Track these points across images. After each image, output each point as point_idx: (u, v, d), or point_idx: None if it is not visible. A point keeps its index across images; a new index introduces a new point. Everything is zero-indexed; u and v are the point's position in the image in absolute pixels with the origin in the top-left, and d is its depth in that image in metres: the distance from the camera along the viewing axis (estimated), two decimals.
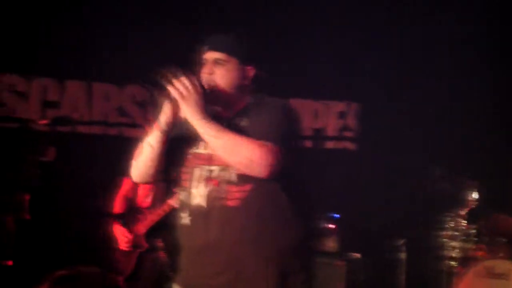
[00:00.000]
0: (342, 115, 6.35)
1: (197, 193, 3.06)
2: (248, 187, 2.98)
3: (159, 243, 4.63)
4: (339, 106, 6.38)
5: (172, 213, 4.41)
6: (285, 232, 3.03)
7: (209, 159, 3.05)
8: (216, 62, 3.06)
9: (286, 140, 2.99)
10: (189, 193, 3.09)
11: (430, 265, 5.31)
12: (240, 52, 3.07)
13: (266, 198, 3.00)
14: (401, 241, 5.33)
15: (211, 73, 3.05)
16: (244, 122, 3.02)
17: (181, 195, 3.15)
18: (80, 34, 5.84)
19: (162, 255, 4.56)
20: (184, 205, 3.12)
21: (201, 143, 3.08)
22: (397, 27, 6.10)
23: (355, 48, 6.14)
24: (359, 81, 6.20)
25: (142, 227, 4.71)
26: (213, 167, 3.03)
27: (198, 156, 3.09)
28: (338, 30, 6.09)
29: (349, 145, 6.29)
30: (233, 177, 2.99)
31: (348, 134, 6.34)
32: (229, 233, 2.98)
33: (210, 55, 3.07)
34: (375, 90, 6.21)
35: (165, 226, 4.55)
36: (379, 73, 6.15)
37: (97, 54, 5.83)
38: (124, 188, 4.97)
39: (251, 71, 3.08)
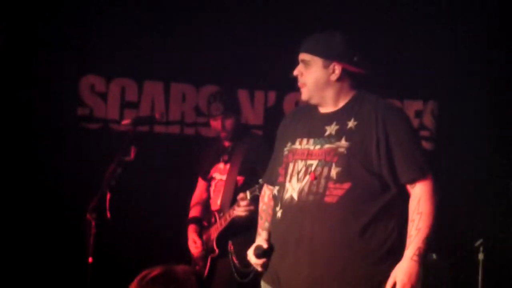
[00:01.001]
0: (418, 114, 6.27)
1: (290, 187, 3.12)
2: (347, 185, 3.02)
3: (230, 248, 4.58)
4: (416, 104, 6.30)
5: (237, 218, 4.42)
6: (379, 232, 3.04)
7: (307, 154, 3.11)
8: (303, 62, 3.16)
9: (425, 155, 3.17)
10: (283, 187, 3.14)
11: (508, 266, 5.23)
12: (323, 50, 3.14)
13: (364, 197, 3.04)
14: (479, 242, 5.25)
15: (300, 74, 3.15)
16: (352, 123, 3.09)
17: (275, 190, 3.20)
18: (157, 35, 5.92)
19: (233, 259, 4.51)
20: (278, 200, 3.18)
21: (299, 139, 3.14)
22: (475, 23, 5.98)
23: (432, 45, 6.06)
24: (436, 78, 6.11)
25: (213, 231, 4.66)
26: (311, 161, 3.09)
27: (295, 152, 3.16)
28: (413, 26, 6.01)
29: (426, 145, 6.20)
30: (333, 174, 3.03)
31: (425, 133, 6.25)
32: (324, 229, 3.04)
33: (300, 56, 3.18)
34: (453, 87, 6.11)
35: (236, 229, 4.53)
36: (457, 70, 6.05)
37: (174, 54, 5.91)
38: (199, 189, 4.98)
39: (337, 67, 3.11)
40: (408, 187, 3.08)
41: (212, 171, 4.82)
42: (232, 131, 4.70)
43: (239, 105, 4.92)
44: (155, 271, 2.04)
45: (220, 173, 4.77)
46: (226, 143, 4.78)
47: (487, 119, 6.05)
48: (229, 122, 4.68)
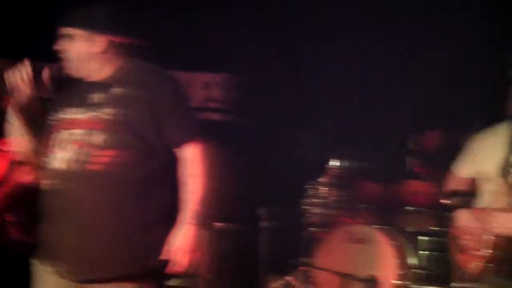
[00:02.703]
0: (207, 85, 6.33)
1: (57, 157, 3.06)
2: (113, 152, 2.99)
3: (9, 218, 4.46)
4: (205, 76, 6.35)
5: (17, 187, 4.32)
6: (150, 198, 3.03)
7: (72, 123, 3.08)
8: (66, 36, 3.13)
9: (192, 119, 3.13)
10: (50, 158, 3.09)
11: (293, 232, 5.39)
12: (85, 23, 3.12)
13: (131, 163, 3.01)
14: (264, 210, 5.39)
15: (64, 48, 3.12)
16: (116, 90, 3.08)
17: (43, 162, 3.12)
18: None
19: (11, 229, 4.40)
20: (45, 171, 3.11)
21: (65, 109, 3.11)
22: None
23: (224, 16, 6.11)
24: (228, 50, 6.18)
25: None
26: (76, 131, 3.05)
27: (59, 122, 3.11)
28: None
29: (215, 116, 6.28)
30: (98, 141, 3.00)
31: (213, 104, 6.33)
32: (91, 197, 2.98)
33: (62, 31, 3.13)
34: (245, 60, 6.21)
35: (19, 200, 4.43)
36: (251, 42, 6.14)
37: None
38: None
39: (100, 39, 3.12)
40: (178, 150, 3.09)
41: None
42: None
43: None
44: None
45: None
46: None
47: (279, 89, 6.20)
48: None
